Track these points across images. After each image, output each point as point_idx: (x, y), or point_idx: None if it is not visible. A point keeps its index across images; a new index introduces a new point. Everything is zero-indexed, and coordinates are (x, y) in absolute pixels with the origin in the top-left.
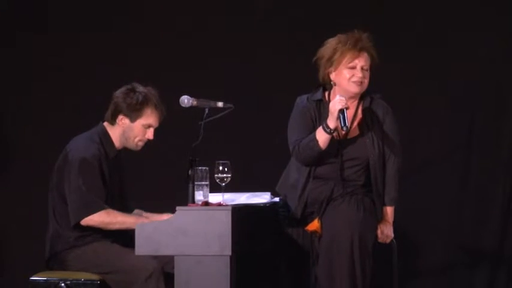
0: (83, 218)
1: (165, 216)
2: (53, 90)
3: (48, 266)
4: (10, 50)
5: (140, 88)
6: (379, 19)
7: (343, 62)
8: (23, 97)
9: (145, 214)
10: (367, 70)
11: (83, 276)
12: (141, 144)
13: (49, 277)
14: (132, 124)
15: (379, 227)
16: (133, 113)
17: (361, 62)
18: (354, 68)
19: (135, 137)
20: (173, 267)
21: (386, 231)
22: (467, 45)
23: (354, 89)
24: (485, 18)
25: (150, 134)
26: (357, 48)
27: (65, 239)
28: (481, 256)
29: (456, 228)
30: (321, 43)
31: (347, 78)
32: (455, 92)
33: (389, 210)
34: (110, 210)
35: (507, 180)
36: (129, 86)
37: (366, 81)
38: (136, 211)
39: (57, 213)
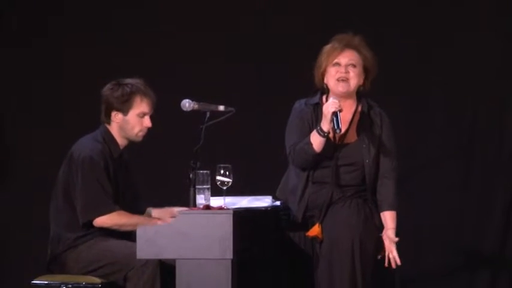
0: (94, 218)
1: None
2: (54, 91)
3: (48, 269)
4: (10, 50)
5: (126, 80)
6: (379, 20)
7: (329, 61)
8: (23, 98)
9: (155, 210)
10: (353, 67)
11: (84, 279)
12: (141, 134)
13: (50, 281)
14: (126, 117)
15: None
16: (124, 105)
17: (345, 58)
18: (338, 64)
19: (133, 129)
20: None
21: (389, 242)
22: (467, 45)
23: (340, 88)
24: (485, 18)
25: (147, 122)
26: (341, 46)
27: (64, 240)
28: (482, 259)
29: (457, 230)
30: (322, 46)
31: (333, 76)
32: (455, 93)
33: (390, 216)
34: (121, 212)
35: (508, 182)
36: (114, 81)
37: (353, 78)
38: (148, 209)
39: (59, 216)
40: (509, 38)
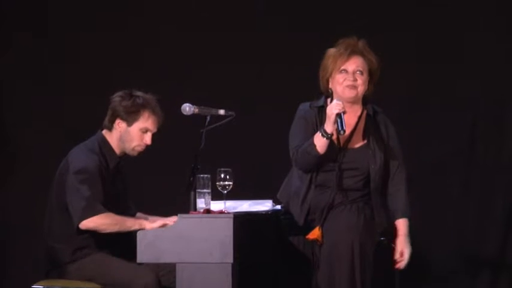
0: (83, 220)
1: (169, 220)
2: (55, 92)
3: (48, 277)
4: (11, 50)
5: (138, 92)
6: (379, 21)
7: (336, 67)
8: (24, 98)
9: (150, 218)
10: (361, 73)
11: (84, 285)
12: (138, 149)
13: (50, 285)
14: (129, 128)
15: (396, 248)
16: (130, 116)
17: (352, 65)
18: (345, 72)
19: (132, 142)
20: (171, 281)
21: (404, 251)
22: (467, 45)
23: (348, 93)
24: (486, 18)
25: (147, 139)
26: (347, 52)
27: (62, 253)
28: (483, 261)
29: (458, 234)
30: (323, 50)
31: (340, 84)
32: (456, 95)
33: (402, 224)
34: (105, 214)
35: (509, 184)
36: (126, 90)
37: (361, 85)
38: (138, 214)
39: (54, 227)
40: (510, 38)
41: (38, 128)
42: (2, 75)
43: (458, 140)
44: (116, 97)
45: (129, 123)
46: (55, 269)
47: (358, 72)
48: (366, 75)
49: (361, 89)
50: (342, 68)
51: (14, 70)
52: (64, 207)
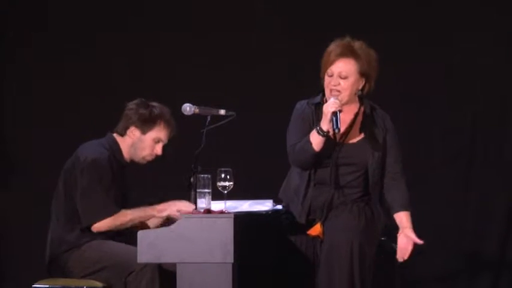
0: (94, 222)
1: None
2: (55, 92)
3: (49, 271)
4: (11, 50)
5: (154, 103)
6: (379, 21)
7: (325, 69)
8: (25, 99)
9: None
10: (345, 78)
11: (85, 283)
12: (148, 159)
13: (51, 284)
14: (143, 136)
15: (399, 239)
16: (146, 125)
17: (337, 68)
18: (330, 75)
19: (143, 150)
20: (171, 265)
21: (408, 241)
22: (468, 45)
23: (333, 99)
24: (485, 18)
25: (158, 149)
26: (335, 53)
27: (66, 241)
28: (483, 261)
29: (458, 235)
30: (323, 49)
31: (326, 86)
32: (456, 97)
33: (404, 215)
34: (121, 213)
35: (509, 184)
36: (142, 99)
37: (345, 90)
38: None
39: (62, 218)
40: (510, 38)
41: (38, 128)
42: (2, 75)
43: (458, 140)
44: (132, 105)
45: (144, 131)
46: (55, 261)
47: (340, 76)
48: (352, 78)
49: (345, 93)
50: (328, 71)
51: (14, 70)
52: (72, 197)
